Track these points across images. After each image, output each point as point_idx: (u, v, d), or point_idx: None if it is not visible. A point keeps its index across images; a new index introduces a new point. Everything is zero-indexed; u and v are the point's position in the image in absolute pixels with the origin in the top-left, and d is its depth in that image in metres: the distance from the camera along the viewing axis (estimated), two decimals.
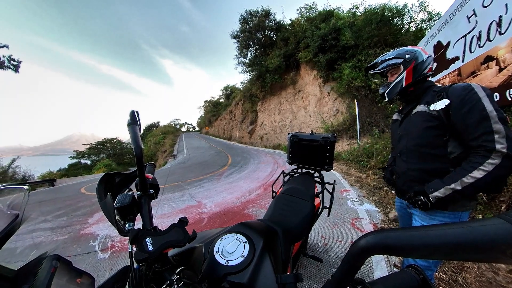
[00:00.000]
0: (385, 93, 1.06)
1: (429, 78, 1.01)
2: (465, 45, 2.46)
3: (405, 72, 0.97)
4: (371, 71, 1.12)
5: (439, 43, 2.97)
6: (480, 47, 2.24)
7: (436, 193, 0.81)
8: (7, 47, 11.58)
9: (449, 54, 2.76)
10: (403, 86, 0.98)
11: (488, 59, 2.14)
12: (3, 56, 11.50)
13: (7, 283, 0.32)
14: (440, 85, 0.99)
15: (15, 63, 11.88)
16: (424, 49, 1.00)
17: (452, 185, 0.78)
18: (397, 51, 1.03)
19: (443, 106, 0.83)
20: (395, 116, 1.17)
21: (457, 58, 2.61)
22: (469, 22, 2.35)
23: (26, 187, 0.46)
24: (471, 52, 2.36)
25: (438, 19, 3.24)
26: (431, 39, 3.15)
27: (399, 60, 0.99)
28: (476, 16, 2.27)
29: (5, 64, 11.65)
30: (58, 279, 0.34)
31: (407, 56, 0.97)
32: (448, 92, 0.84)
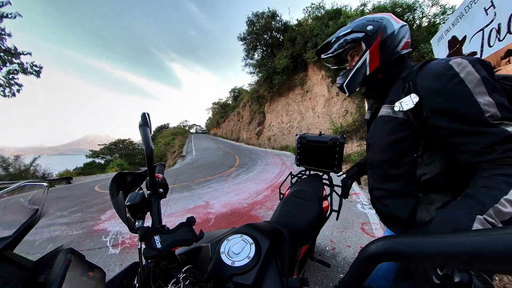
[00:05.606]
0: (344, 85, 0.77)
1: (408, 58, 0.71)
2: (483, 39, 2.32)
3: (368, 51, 0.67)
4: (323, 56, 0.83)
5: (454, 38, 2.83)
6: (500, 40, 2.11)
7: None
8: (30, 54, 12.41)
9: (466, 49, 2.62)
10: (367, 73, 0.68)
11: (509, 53, 2.02)
12: (26, 63, 12.32)
13: (26, 273, 0.34)
14: (413, 63, 0.68)
15: (37, 69, 12.69)
16: (395, 16, 0.70)
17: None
18: (355, 22, 0.73)
19: (412, 105, 0.56)
20: (366, 116, 0.87)
21: (474, 53, 2.48)
22: (487, 14, 2.22)
23: (45, 184, 0.49)
24: (490, 46, 2.23)
25: (452, 13, 3.09)
26: (445, 34, 3.02)
27: (360, 35, 0.69)
28: (494, 7, 2.14)
29: (28, 70, 12.48)
30: (71, 271, 0.36)
31: (369, 27, 0.67)
32: (417, 82, 0.56)
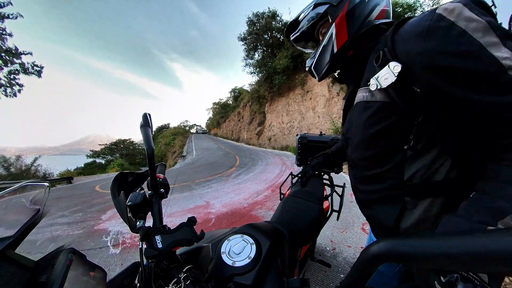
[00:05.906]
0: (311, 67, 0.66)
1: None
2: None
3: (333, 24, 0.56)
4: (291, 38, 0.72)
5: None
6: None
7: None
8: (30, 54, 12.46)
9: None
10: (335, 50, 0.57)
11: None
12: (27, 63, 12.36)
13: (27, 272, 0.34)
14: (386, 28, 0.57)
15: (38, 69, 12.73)
16: None
17: None
18: None
19: (393, 78, 0.41)
20: (342, 105, 0.76)
21: None
22: None
23: (46, 184, 0.49)
24: None
25: None
26: None
27: (324, 7, 0.58)
28: (495, 7, 2.16)
29: (29, 70, 12.51)
30: (73, 271, 0.36)
31: None
32: (396, 46, 0.42)
